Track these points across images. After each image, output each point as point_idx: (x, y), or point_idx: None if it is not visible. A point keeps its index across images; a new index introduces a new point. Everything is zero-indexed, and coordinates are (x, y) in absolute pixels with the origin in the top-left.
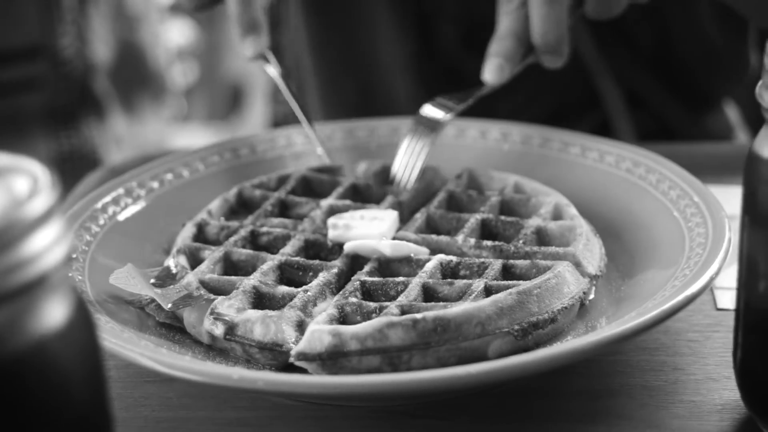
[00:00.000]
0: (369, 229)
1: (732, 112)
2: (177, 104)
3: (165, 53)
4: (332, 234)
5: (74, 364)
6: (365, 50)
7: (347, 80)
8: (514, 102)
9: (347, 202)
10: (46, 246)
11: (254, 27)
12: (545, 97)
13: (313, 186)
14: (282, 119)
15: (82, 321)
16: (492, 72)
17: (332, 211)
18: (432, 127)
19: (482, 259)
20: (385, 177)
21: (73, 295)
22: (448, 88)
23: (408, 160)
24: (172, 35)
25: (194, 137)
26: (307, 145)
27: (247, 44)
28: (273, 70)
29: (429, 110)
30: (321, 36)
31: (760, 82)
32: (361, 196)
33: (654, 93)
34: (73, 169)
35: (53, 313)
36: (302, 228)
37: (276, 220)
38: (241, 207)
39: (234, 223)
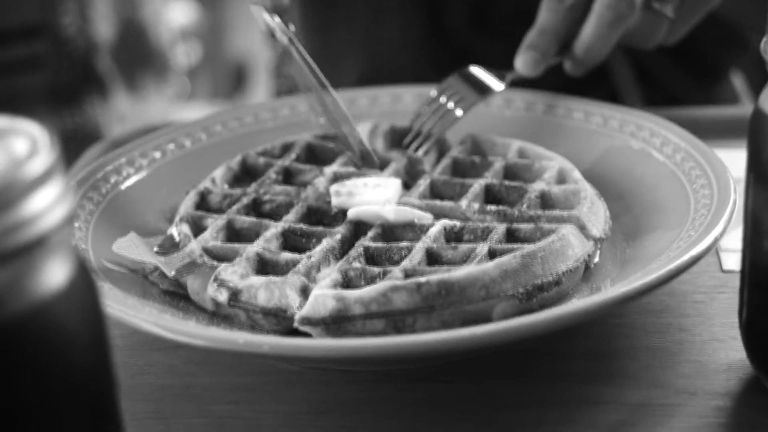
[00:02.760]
0: (372, 196)
1: (738, 82)
2: (180, 82)
3: (168, 32)
4: (335, 201)
5: (76, 327)
6: (370, 30)
7: (351, 61)
8: (514, 80)
9: (351, 169)
10: (46, 206)
11: None
12: (554, 71)
13: (317, 153)
14: (286, 94)
15: (83, 283)
16: (526, 64)
17: (336, 179)
18: (480, 91)
19: (486, 224)
20: (395, 138)
21: (74, 256)
22: (457, 68)
23: (431, 123)
24: (175, 15)
25: (197, 115)
26: (311, 114)
27: None
28: (273, 21)
29: (477, 73)
30: (325, 14)
31: (765, 39)
32: (366, 163)
33: (662, 65)
34: (76, 147)
35: (54, 275)
36: (305, 195)
37: (279, 188)
38: (245, 174)
39: (237, 191)
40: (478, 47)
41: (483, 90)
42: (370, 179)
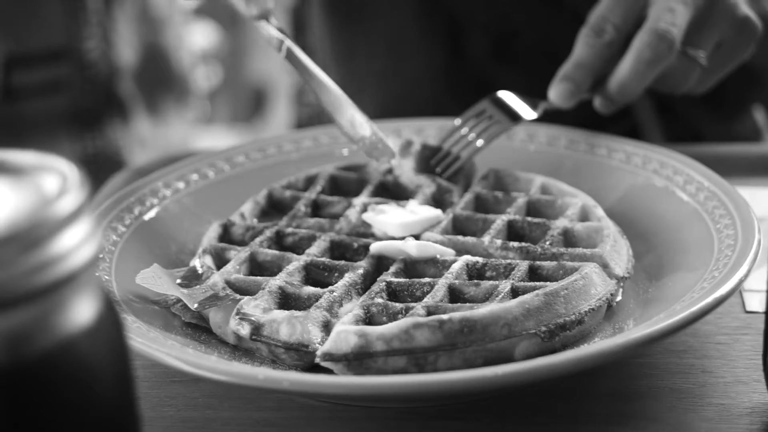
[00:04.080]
0: (397, 217)
1: (760, 116)
2: (201, 106)
3: (189, 56)
4: (365, 215)
5: (102, 363)
6: (393, 59)
7: (373, 89)
8: (545, 110)
9: (380, 199)
10: (75, 244)
11: None
12: (576, 105)
13: (340, 185)
14: (306, 121)
15: (110, 319)
16: (561, 95)
17: (366, 209)
18: (512, 117)
19: (509, 261)
20: (425, 157)
21: (101, 293)
22: (477, 99)
23: (462, 144)
24: (196, 38)
25: (218, 139)
26: (333, 146)
27: (251, 4)
28: (277, 33)
29: (508, 98)
30: (347, 43)
31: None
32: (391, 192)
33: (683, 100)
34: (97, 170)
35: (82, 312)
36: (339, 227)
37: (312, 221)
38: (272, 208)
39: (259, 224)
40: (499, 78)
41: (515, 117)
42: (412, 204)
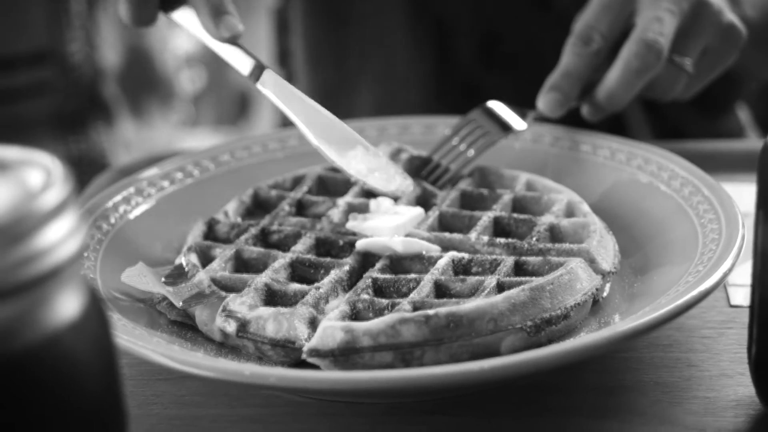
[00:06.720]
0: (386, 221)
1: (743, 114)
2: (185, 109)
3: (173, 58)
4: (350, 224)
5: (87, 358)
6: (380, 64)
7: (361, 93)
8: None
9: (364, 200)
10: (60, 239)
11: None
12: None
13: (327, 185)
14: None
15: (95, 314)
16: (549, 105)
17: (350, 209)
18: (503, 128)
19: (495, 256)
20: (414, 168)
21: (85, 288)
22: (465, 103)
23: (453, 156)
24: (181, 41)
25: (202, 142)
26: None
27: (220, 27)
28: (253, 59)
29: (498, 108)
30: (333, 48)
31: None
32: (377, 194)
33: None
34: (82, 173)
35: (66, 306)
36: (321, 227)
37: (294, 220)
38: (258, 207)
39: (244, 222)
40: (486, 82)
41: (505, 127)
42: (390, 207)
